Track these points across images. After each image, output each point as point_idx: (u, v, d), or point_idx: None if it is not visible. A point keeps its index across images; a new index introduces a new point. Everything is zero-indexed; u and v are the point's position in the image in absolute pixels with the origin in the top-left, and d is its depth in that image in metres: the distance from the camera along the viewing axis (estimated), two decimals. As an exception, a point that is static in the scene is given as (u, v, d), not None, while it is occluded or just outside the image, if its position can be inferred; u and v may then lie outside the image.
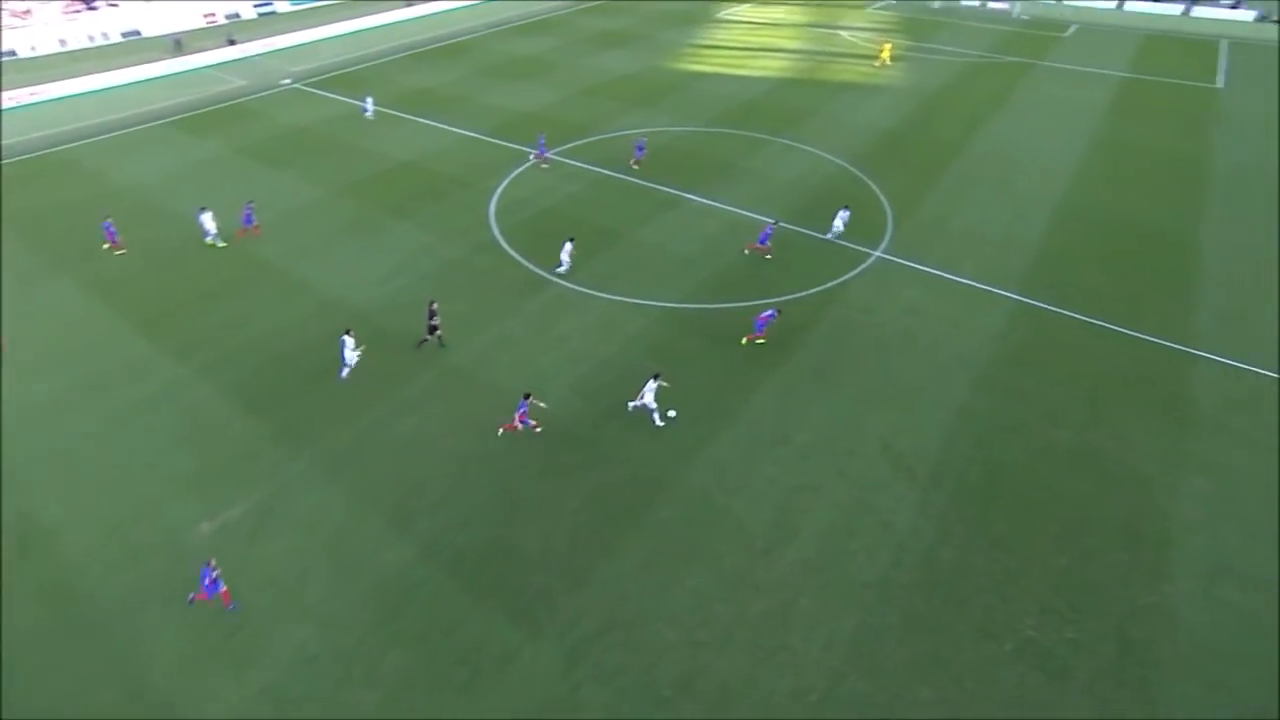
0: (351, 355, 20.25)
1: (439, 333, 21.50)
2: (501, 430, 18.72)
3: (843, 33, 57.46)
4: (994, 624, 14.47)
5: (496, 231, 28.34)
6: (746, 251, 26.64)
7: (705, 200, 30.57)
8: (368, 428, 19.04)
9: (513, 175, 32.94)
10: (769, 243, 25.99)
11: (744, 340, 21.94)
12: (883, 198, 30.91)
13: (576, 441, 18.66)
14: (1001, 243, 27.49)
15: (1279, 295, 24.58)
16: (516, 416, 18.28)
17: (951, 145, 36.56)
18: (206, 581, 14.16)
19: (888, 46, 50.13)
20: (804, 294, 24.48)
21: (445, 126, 38.86)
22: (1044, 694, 13.36)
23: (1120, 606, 14.78)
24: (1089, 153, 35.95)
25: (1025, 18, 64.93)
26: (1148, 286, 25.17)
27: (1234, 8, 61.85)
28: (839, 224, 27.41)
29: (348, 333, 20.45)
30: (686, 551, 15.87)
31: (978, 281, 25.15)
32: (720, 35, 56.36)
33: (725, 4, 66.31)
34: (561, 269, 25.15)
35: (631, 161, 33.53)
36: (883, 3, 68.91)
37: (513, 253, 26.83)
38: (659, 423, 18.87)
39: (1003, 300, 24.20)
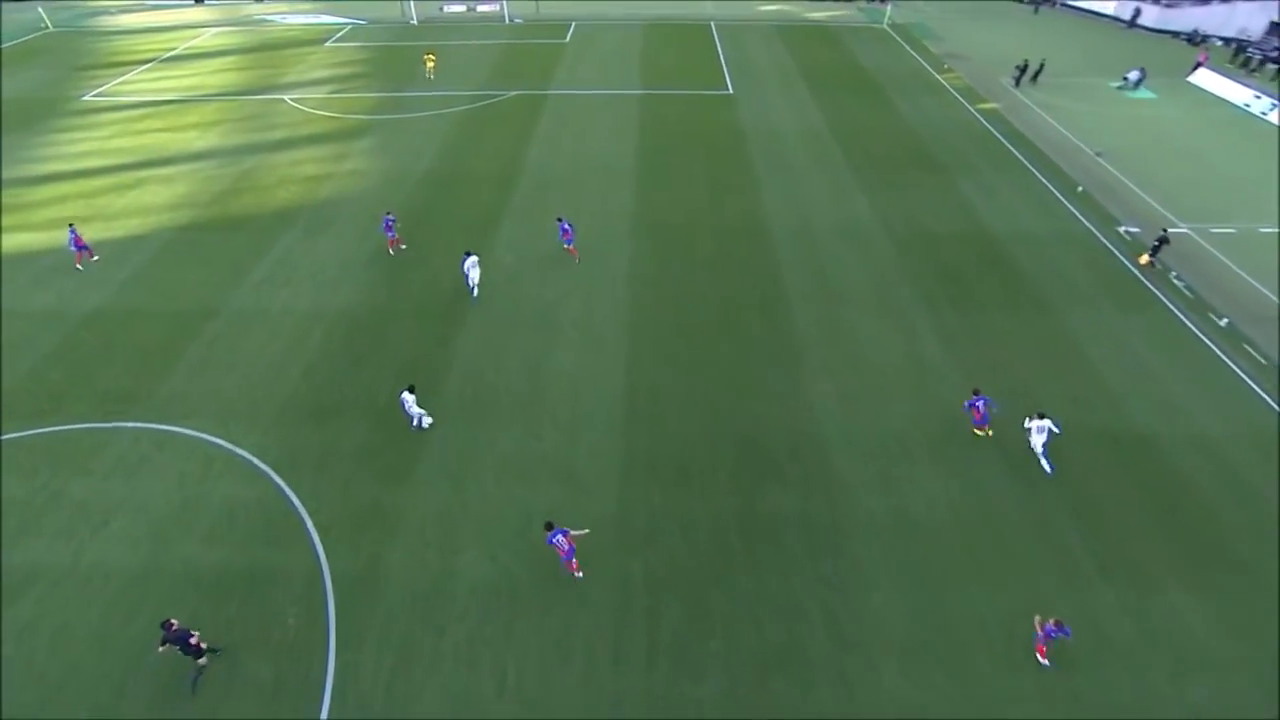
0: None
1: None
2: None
3: (288, 98, 39.93)
4: None
5: None
6: None
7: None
8: None
9: None
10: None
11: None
12: (322, 557, 15.53)
13: None
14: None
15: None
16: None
17: (451, 323, 22.62)
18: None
19: (431, 56, 42.87)
20: None
21: None
22: None
23: None
24: (640, 283, 25.36)
25: (520, 21, 54.66)
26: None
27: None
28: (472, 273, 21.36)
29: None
30: None
31: None
32: (80, 147, 34.43)
33: (97, 79, 43.20)
34: None
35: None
36: (344, 32, 52.50)
37: None
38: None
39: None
